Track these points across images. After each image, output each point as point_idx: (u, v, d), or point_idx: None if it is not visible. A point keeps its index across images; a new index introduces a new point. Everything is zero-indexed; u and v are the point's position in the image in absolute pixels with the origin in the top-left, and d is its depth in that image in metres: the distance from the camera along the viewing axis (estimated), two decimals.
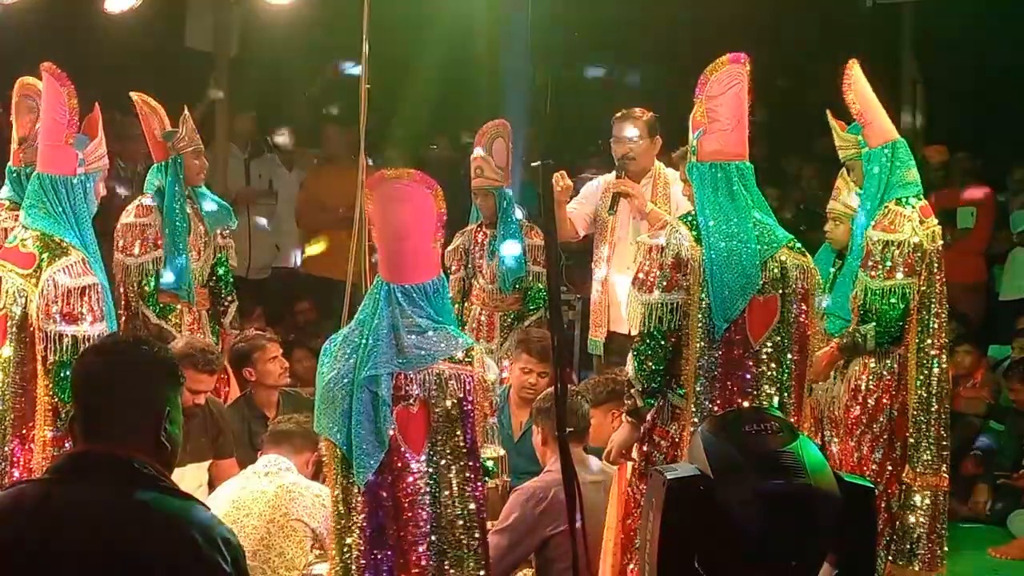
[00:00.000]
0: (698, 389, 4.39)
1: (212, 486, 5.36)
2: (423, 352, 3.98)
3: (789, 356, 4.43)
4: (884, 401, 5.10)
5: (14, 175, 5.51)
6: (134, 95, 6.22)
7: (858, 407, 5.10)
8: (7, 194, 5.58)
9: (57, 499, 2.59)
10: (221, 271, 6.48)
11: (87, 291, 4.39)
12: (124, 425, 2.66)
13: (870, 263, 5.02)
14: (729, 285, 4.33)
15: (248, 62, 10.07)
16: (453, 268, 7.03)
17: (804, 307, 4.47)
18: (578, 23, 7.39)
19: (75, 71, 4.72)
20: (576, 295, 7.99)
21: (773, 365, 4.40)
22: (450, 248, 7.06)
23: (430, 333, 4.02)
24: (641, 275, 4.47)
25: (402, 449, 3.96)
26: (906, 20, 10.38)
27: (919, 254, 5.01)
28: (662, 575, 2.74)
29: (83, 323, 4.35)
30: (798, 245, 4.54)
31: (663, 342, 4.40)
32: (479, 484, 4.06)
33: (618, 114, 6.42)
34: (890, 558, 5.11)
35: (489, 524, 4.88)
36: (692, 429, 4.35)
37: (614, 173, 6.44)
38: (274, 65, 10.33)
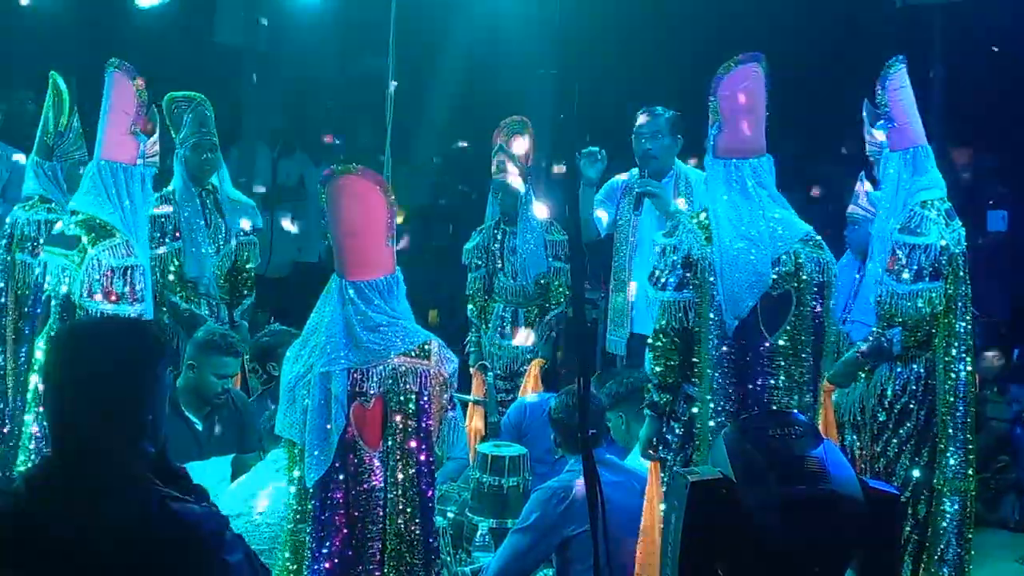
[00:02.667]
0: (713, 385, 4.40)
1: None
2: (378, 347, 3.94)
3: (805, 351, 4.42)
4: (911, 406, 5.05)
5: (38, 167, 5.58)
6: None
7: (884, 412, 5.06)
8: (34, 187, 5.62)
9: (36, 517, 2.33)
10: (244, 266, 6.53)
11: (129, 271, 4.46)
12: (102, 413, 2.35)
13: (896, 267, 4.97)
14: (739, 283, 4.36)
15: (277, 57, 10.09)
16: (474, 265, 7.03)
17: (820, 301, 4.47)
18: (604, 21, 7.35)
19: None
20: (600, 294, 7.96)
21: (788, 360, 4.40)
22: (471, 245, 7.06)
23: (385, 328, 3.97)
24: (656, 273, 4.55)
25: (359, 446, 3.93)
26: (935, 21, 10.30)
27: (945, 257, 4.96)
28: None
29: (123, 303, 4.40)
30: (816, 238, 4.53)
31: (676, 339, 4.47)
32: (432, 478, 4.02)
33: (639, 112, 6.35)
34: (921, 565, 5.07)
35: (509, 523, 4.91)
36: (711, 425, 4.36)
37: (635, 171, 6.42)
38: (303, 61, 10.33)
